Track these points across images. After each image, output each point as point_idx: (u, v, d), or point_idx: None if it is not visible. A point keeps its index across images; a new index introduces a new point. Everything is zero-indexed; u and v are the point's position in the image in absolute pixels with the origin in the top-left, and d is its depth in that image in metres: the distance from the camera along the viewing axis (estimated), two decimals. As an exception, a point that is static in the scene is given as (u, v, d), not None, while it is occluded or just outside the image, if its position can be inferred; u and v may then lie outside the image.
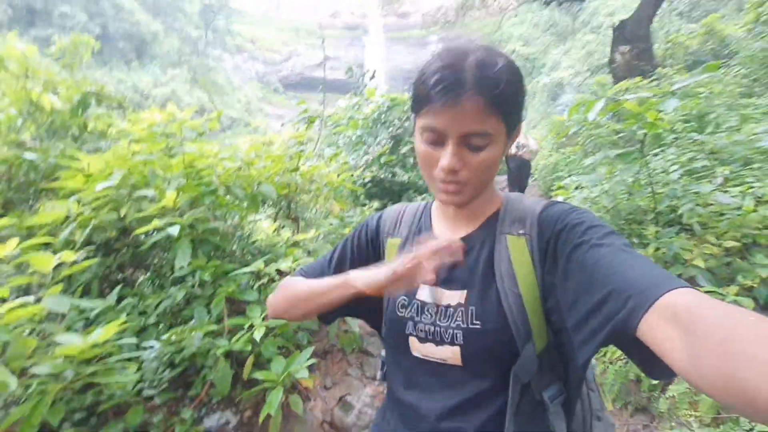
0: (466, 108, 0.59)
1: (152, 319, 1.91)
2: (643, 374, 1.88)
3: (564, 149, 6.34)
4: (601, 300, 0.51)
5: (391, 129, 4.81)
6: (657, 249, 2.39)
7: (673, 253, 2.29)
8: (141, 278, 2.25)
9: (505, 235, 0.68)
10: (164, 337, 1.66)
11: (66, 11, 24.11)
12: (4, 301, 1.26)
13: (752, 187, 2.47)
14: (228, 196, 2.26)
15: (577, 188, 3.05)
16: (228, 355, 1.78)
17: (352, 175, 3.01)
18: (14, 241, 1.36)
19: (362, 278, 0.67)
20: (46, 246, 1.60)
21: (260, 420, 1.54)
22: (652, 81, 4.56)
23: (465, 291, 0.67)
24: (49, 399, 1.21)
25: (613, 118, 3.08)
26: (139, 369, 1.66)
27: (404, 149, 5.26)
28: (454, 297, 0.68)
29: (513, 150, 5.81)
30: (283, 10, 49.20)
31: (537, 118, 18.68)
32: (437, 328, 0.68)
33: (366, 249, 0.82)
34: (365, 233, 0.84)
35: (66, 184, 2.15)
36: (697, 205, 2.35)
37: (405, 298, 0.73)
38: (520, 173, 5.84)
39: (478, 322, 0.65)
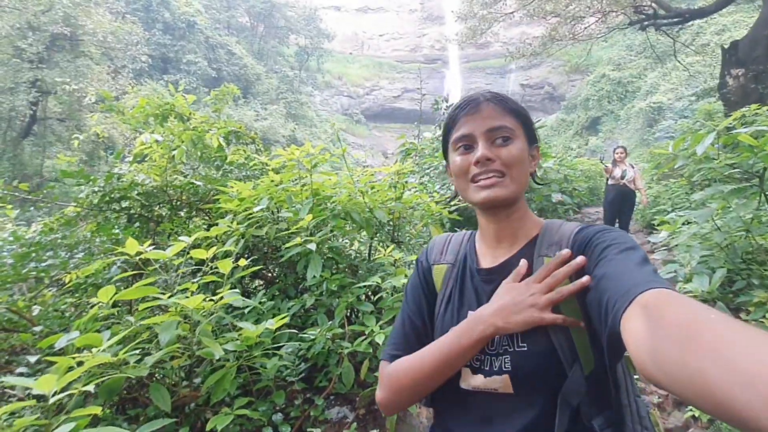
0: (484, 112, 0.73)
1: (286, 320, 2.29)
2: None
3: (666, 181, 5.94)
4: (604, 311, 0.54)
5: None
6: (782, 290, 2.24)
7: (802, 295, 2.13)
8: (275, 286, 2.68)
9: (543, 257, 0.70)
10: (306, 334, 2.00)
11: (191, 59, 28.65)
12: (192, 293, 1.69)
13: None
14: (346, 220, 2.63)
15: (685, 223, 2.93)
16: (350, 356, 2.07)
17: (449, 204, 3.25)
18: (213, 250, 1.81)
19: (512, 322, 0.64)
20: (223, 254, 2.07)
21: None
22: (773, 108, 4.19)
23: None
24: (234, 370, 1.58)
25: (726, 149, 2.95)
26: (280, 358, 2.02)
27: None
28: None
29: (614, 178, 5.59)
30: (368, 48, 52.67)
31: (631, 145, 17.44)
32: (486, 356, 0.68)
33: (426, 284, 0.83)
34: (420, 270, 0.85)
35: (224, 206, 2.67)
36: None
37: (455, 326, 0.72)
38: (621, 205, 5.54)
39: (524, 344, 0.66)
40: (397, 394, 0.73)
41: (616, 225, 5.69)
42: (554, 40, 9.66)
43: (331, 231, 2.56)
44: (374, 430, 1.90)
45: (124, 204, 2.81)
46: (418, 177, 5.51)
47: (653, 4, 8.15)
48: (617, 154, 5.59)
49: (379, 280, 2.19)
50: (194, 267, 2.43)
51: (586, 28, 9.71)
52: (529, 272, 0.70)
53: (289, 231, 2.39)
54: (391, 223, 2.95)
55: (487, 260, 0.77)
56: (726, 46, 6.92)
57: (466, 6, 11.63)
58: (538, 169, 0.81)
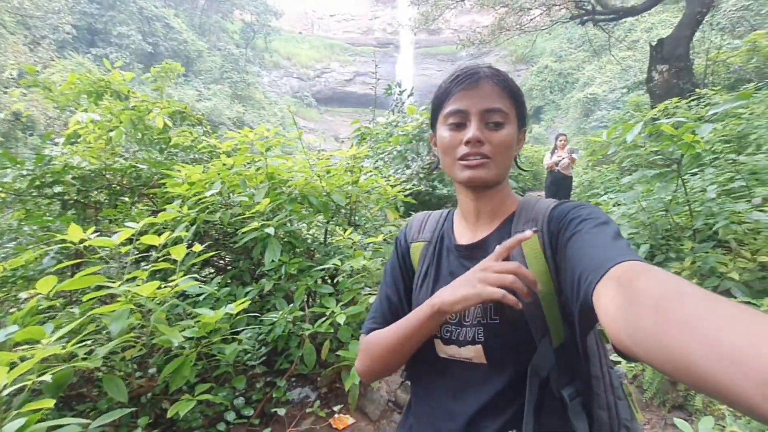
0: (484, 89, 0.70)
1: (246, 304, 2.26)
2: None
3: (599, 167, 6.44)
4: (577, 283, 0.54)
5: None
6: (693, 262, 2.55)
7: (708, 267, 2.45)
8: (228, 273, 2.62)
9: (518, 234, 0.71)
10: (267, 317, 1.99)
11: (123, 31, 26.17)
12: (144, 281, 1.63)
13: (789, 207, 2.60)
14: (303, 204, 2.61)
15: (615, 205, 3.23)
16: (311, 337, 2.10)
17: (405, 189, 3.32)
18: (165, 235, 1.74)
19: (450, 300, 0.63)
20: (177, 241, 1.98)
21: (347, 388, 1.83)
22: (691, 101, 4.67)
23: None
24: (193, 357, 1.55)
25: (650, 138, 3.26)
26: (240, 343, 2.00)
27: (443, 164, 5.57)
28: None
29: (548, 162, 6.00)
30: (318, 28, 51.08)
31: (570, 133, 18.62)
32: (462, 329, 0.70)
33: (403, 263, 0.85)
34: (399, 250, 0.87)
35: (171, 191, 2.54)
36: (733, 222, 2.50)
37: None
38: (558, 189, 5.98)
39: (496, 317, 0.68)
40: (373, 363, 0.77)
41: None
42: (502, 30, 9.97)
43: (289, 215, 2.54)
44: (337, 406, 1.96)
45: (57, 189, 2.58)
46: (373, 161, 5.54)
47: (592, 1, 8.66)
48: (560, 141, 5.99)
49: (339, 263, 2.21)
50: (139, 255, 2.31)
51: (531, 19, 10.11)
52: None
53: (245, 216, 2.34)
54: (347, 206, 2.97)
55: (465, 237, 0.79)
56: (653, 44, 7.53)
57: (418, -10, 11.63)
58: None
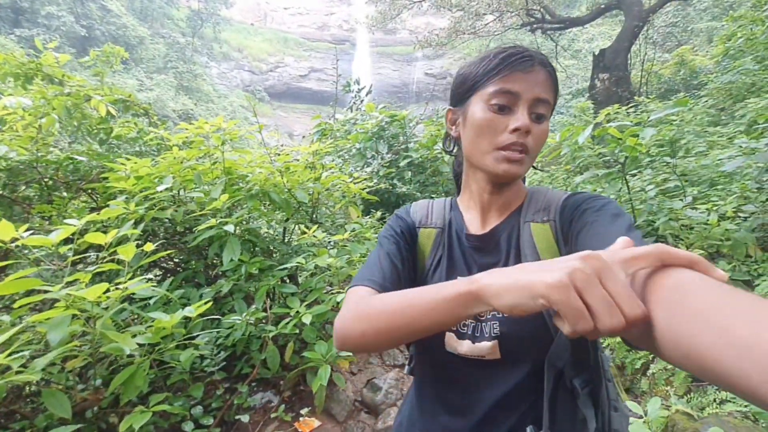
0: (539, 76, 0.66)
1: (208, 306, 2.13)
2: (626, 360, 2.21)
3: (548, 168, 6.79)
4: None
5: (394, 144, 5.14)
6: (637, 256, 2.75)
7: (650, 260, 2.65)
8: (180, 275, 2.45)
9: (528, 224, 0.70)
10: (227, 320, 1.88)
11: (52, 11, 23.82)
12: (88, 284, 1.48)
13: (716, 205, 2.88)
14: (263, 201, 2.50)
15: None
16: (273, 339, 2.01)
17: (367, 186, 3.29)
18: (113, 233, 1.58)
19: (501, 292, 0.45)
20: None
21: (314, 390, 1.77)
22: (629, 108, 5.04)
23: None
24: (146, 366, 1.43)
25: (597, 141, 3.48)
26: (196, 349, 1.87)
27: (403, 163, 5.58)
28: None
29: None
30: (271, 20, 49.60)
31: (519, 136, 19.47)
32: (477, 323, 0.67)
33: (405, 241, 0.78)
34: (402, 224, 0.80)
35: (115, 185, 2.34)
36: (671, 219, 2.73)
37: None
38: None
39: None
40: (368, 330, 0.58)
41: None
42: (458, 33, 10.21)
43: (249, 212, 2.42)
44: (303, 409, 1.89)
45: (-23, 182, 2.28)
46: (332, 159, 5.46)
47: (542, 9, 9.10)
48: None
49: (303, 261, 2.14)
50: (77, 257, 2.11)
51: (485, 25, 10.45)
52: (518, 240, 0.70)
53: (200, 213, 2.20)
54: (309, 203, 2.89)
55: (474, 226, 0.76)
56: (596, 53, 8.06)
57: (376, -11, 11.62)
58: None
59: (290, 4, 50.20)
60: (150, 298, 2.00)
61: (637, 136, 2.80)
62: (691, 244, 2.61)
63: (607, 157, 3.44)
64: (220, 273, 2.36)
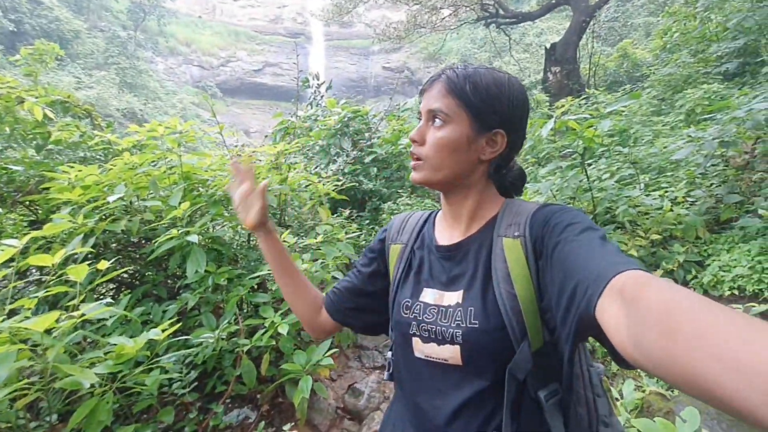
0: (433, 91, 0.73)
1: (178, 326, 1.98)
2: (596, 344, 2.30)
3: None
4: (571, 294, 0.52)
5: (359, 140, 5.06)
6: (599, 243, 2.88)
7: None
8: (139, 289, 2.28)
9: (501, 238, 0.70)
10: (197, 338, 1.76)
11: (-31, 3, 21.47)
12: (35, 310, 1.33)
13: (667, 191, 3.07)
14: (226, 206, 2.37)
15: (535, 193, 3.51)
16: (247, 353, 1.91)
17: (336, 185, 3.21)
18: (60, 252, 1.42)
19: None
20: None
21: (296, 402, 1.70)
22: (581, 100, 5.26)
23: (463, 291, 0.70)
24: (110, 397, 1.30)
25: (553, 133, 3.59)
26: (162, 371, 1.74)
27: (368, 159, 5.52)
28: (453, 297, 0.70)
29: None
30: (220, 13, 47.49)
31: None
32: (439, 328, 0.69)
33: (378, 255, 0.88)
34: (377, 241, 0.90)
35: (58, 197, 2.13)
36: (629, 206, 2.87)
37: (409, 300, 0.75)
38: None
39: (476, 321, 0.67)
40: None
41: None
42: (416, 27, 10.24)
43: (212, 219, 2.28)
44: (286, 425, 1.81)
45: None
46: (296, 156, 5.30)
47: (496, 4, 9.30)
48: None
49: (274, 269, 2.05)
50: (21, 281, 1.90)
51: (442, 19, 10.54)
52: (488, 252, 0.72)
53: (159, 223, 2.04)
54: (276, 206, 2.77)
55: (445, 238, 0.79)
56: (548, 47, 8.36)
57: (330, -19, 11.39)
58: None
59: (240, -5, 48.28)
60: (106, 319, 1.83)
61: (595, 127, 2.91)
62: (648, 229, 2.76)
63: (566, 149, 3.56)
64: (184, 285, 2.22)
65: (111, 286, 2.52)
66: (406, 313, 0.74)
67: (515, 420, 0.65)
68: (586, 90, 6.31)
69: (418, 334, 0.72)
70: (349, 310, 0.88)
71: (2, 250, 1.30)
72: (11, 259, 1.40)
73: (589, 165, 4.17)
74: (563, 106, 4.50)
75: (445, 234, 0.79)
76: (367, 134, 4.90)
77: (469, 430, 0.67)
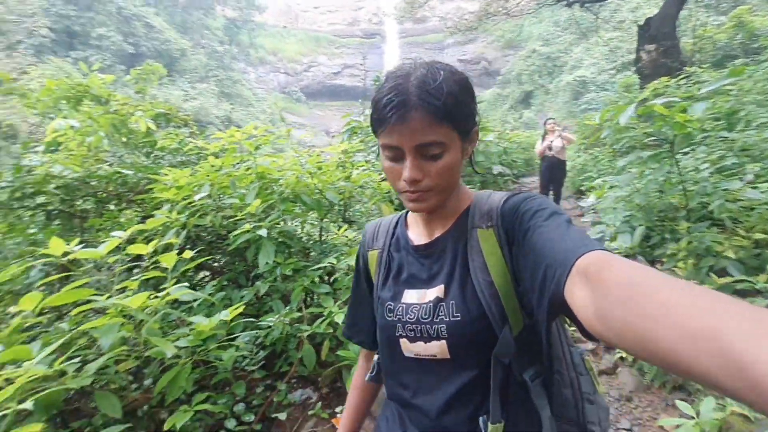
0: (413, 123, 0.63)
1: (241, 309, 2.22)
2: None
3: (592, 150, 6.44)
4: (542, 277, 0.55)
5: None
6: (689, 243, 2.55)
7: (705, 246, 2.45)
8: (224, 276, 2.57)
9: (475, 229, 0.72)
10: (265, 322, 1.96)
11: (102, 33, 25.62)
12: (135, 291, 1.58)
13: (782, 183, 2.60)
14: (296, 203, 2.57)
15: (610, 188, 3.23)
16: (309, 338, 2.07)
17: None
18: (153, 243, 1.69)
19: None
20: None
21: (347, 388, 1.80)
22: (680, 80, 4.65)
23: (443, 286, 0.71)
24: (189, 367, 1.52)
25: (642, 119, 3.24)
26: (237, 349, 1.96)
27: (435, 154, 5.50)
28: (434, 293, 0.72)
29: (539, 148, 5.95)
30: (303, 21, 50.38)
31: (560, 117, 18.63)
32: (423, 326, 0.71)
33: (363, 265, 0.88)
34: (359, 255, 0.89)
35: (160, 196, 2.48)
36: (727, 200, 2.50)
37: (391, 303, 0.76)
38: (551, 174, 5.94)
39: (458, 314, 0.69)
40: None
41: (550, 192, 6.13)
42: (489, 15, 9.87)
43: (281, 215, 2.49)
44: (339, 407, 1.93)
45: (40, 200, 2.50)
46: (365, 155, 5.48)
47: (577, -19, 8.58)
48: (549, 125, 5.94)
49: (335, 261, 2.18)
50: (131, 264, 2.26)
51: (518, 3, 10.01)
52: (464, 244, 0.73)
53: (236, 218, 2.29)
54: (341, 203, 2.92)
55: (420, 238, 0.79)
56: (641, 24, 7.49)
57: (402, -22, 11.46)
58: (479, 142, 0.81)
59: (320, 3, 50.72)
60: (195, 300, 2.12)
61: (686, 111, 2.58)
62: (752, 228, 2.38)
63: (655, 137, 3.20)
64: (259, 274, 2.46)
65: (206, 274, 2.88)
66: (390, 316, 0.75)
67: (504, 403, 0.68)
68: (686, 69, 5.54)
69: (404, 335, 0.74)
70: (356, 326, 0.91)
71: (110, 241, 1.57)
72: (118, 247, 1.70)
73: (685, 153, 3.69)
74: (655, 88, 4.03)
75: (420, 232, 0.79)
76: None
77: (461, 418, 0.70)
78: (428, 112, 0.63)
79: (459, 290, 0.70)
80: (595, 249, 0.50)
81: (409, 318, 0.73)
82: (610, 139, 3.26)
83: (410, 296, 0.75)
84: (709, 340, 0.31)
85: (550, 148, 5.80)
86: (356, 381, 0.95)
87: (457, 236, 0.74)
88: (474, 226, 0.72)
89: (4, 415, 0.94)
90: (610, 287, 0.42)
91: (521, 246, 0.63)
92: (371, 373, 0.88)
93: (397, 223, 0.85)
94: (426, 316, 0.71)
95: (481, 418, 0.68)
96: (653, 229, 3.01)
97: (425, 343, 0.71)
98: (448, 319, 0.69)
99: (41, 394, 1.10)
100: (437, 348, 0.70)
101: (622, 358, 2.35)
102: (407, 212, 0.85)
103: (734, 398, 0.30)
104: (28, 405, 0.94)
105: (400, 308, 0.74)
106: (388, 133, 0.65)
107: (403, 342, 0.74)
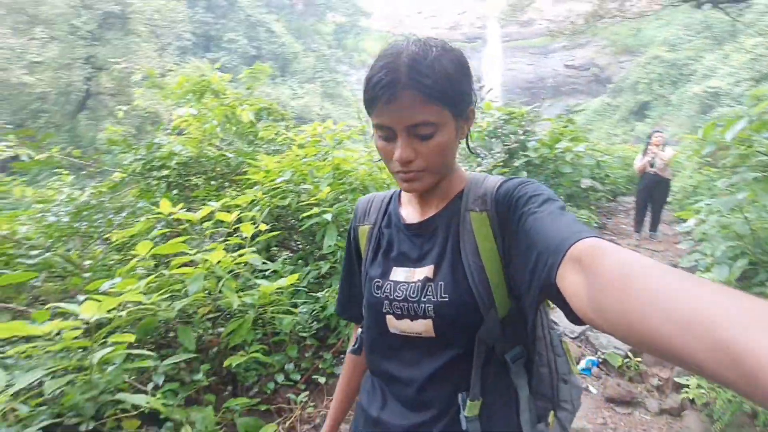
0: (404, 103, 0.62)
1: (303, 283, 2.48)
2: (751, 406, 1.80)
3: (704, 169, 5.65)
4: (534, 263, 0.55)
5: (506, 142, 4.96)
6: (804, 282, 2.17)
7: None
8: (297, 255, 2.88)
9: (468, 212, 0.72)
10: (320, 294, 2.18)
11: (232, 37, 29.36)
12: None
13: None
14: (364, 194, 2.77)
15: (711, 213, 2.85)
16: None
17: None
18: (235, 214, 2.00)
19: None
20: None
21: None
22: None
23: (433, 266, 0.72)
24: (251, 319, 1.78)
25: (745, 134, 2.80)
26: (296, 316, 2.21)
27: (518, 162, 5.33)
28: (423, 272, 0.72)
29: (639, 164, 5.37)
30: (406, 26, 51.57)
31: (682, 133, 16.38)
32: (410, 304, 0.71)
33: (354, 246, 0.88)
34: (350, 229, 0.89)
35: (252, 177, 2.86)
36: None
37: (379, 279, 0.76)
38: (651, 194, 5.36)
39: (446, 295, 0.69)
40: None
41: (648, 213, 5.52)
42: (599, 17, 9.14)
43: (349, 203, 2.70)
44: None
45: (164, 172, 3.06)
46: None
47: (710, -21, 7.53)
48: (655, 139, 5.34)
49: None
50: (226, 231, 2.66)
51: (634, 4, 9.11)
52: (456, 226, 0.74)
53: (308, 202, 2.56)
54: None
55: (412, 216, 0.79)
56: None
57: (507, -19, 11.16)
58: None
59: (423, 7, 51.47)
60: (267, 270, 2.43)
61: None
62: None
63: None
64: (323, 255, 2.70)
65: (288, 255, 3.24)
66: (377, 293, 0.76)
67: (484, 381, 0.70)
68: None
69: (391, 311, 0.74)
70: (349, 302, 0.91)
71: (203, 209, 1.90)
72: (212, 215, 2.05)
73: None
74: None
75: (413, 211, 0.79)
76: (512, 135, 4.73)
77: (441, 394, 0.72)
78: (419, 92, 0.61)
79: (449, 272, 0.70)
80: (589, 236, 0.49)
81: (396, 296, 0.73)
82: (716, 156, 2.88)
83: (398, 274, 0.75)
84: (704, 330, 0.30)
85: (651, 164, 5.24)
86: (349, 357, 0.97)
87: (450, 217, 0.74)
88: (468, 209, 0.72)
89: (108, 321, 1.25)
90: (605, 275, 0.42)
91: (514, 232, 0.64)
92: (353, 345, 0.90)
93: (390, 199, 0.85)
94: (414, 295, 0.71)
95: (460, 395, 0.70)
96: (761, 264, 2.59)
97: (411, 320, 0.72)
98: (435, 300, 0.69)
99: (135, 316, 1.41)
100: (423, 326, 0.71)
101: (691, 400, 2.11)
102: (400, 190, 0.84)
103: (730, 389, 0.30)
104: (123, 314, 1.23)
105: (388, 285, 0.75)
106: (379, 112, 0.65)
107: (389, 318, 0.75)
